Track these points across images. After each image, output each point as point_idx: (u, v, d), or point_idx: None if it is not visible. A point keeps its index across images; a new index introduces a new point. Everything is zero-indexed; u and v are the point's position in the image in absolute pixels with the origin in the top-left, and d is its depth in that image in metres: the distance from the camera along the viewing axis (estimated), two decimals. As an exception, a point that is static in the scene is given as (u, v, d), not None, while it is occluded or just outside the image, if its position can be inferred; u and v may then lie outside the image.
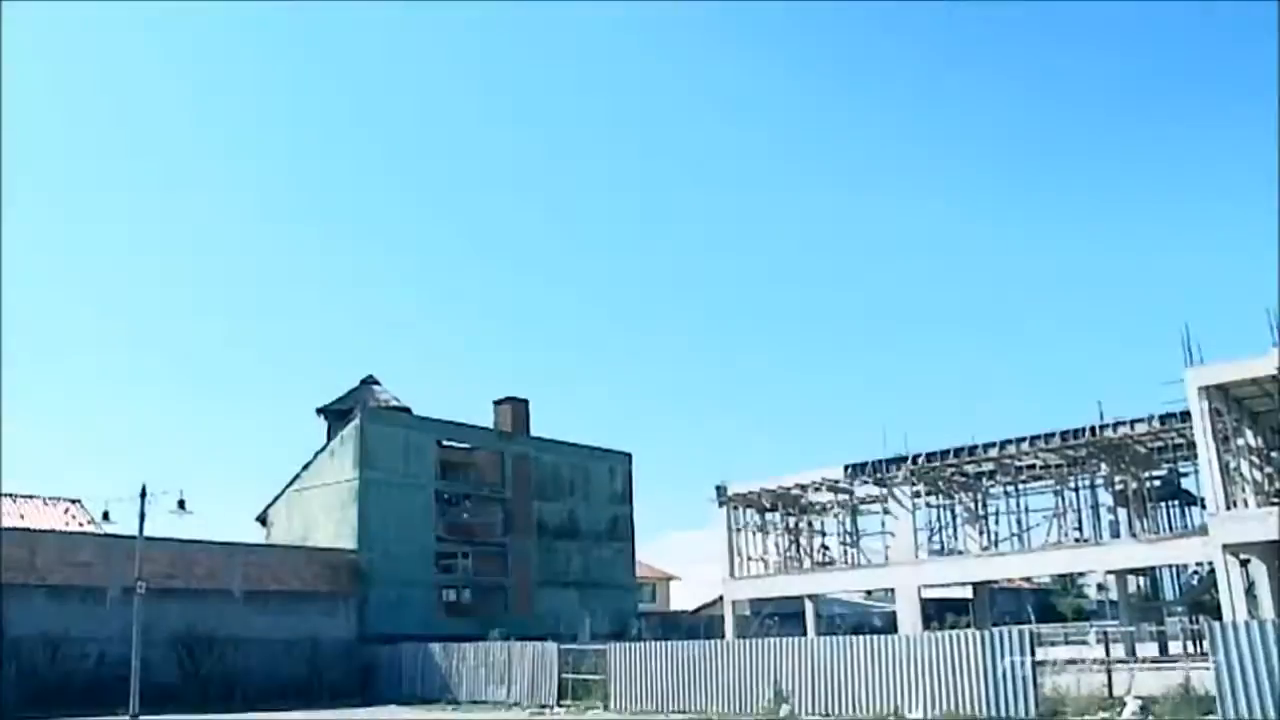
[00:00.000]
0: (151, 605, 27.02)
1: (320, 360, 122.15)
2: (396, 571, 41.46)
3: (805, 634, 38.94)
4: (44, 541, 34.02)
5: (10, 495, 42.26)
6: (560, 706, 30.65)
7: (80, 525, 41.79)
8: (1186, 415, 33.41)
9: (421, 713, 30.59)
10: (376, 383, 48.48)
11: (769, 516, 50.14)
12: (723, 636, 39.76)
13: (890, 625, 42.44)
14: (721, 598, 48.26)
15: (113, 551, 32.73)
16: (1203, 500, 34.63)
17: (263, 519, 46.51)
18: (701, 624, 52.04)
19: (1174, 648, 33.76)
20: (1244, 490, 32.57)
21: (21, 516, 40.23)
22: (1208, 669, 20.54)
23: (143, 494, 25.29)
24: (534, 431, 49.58)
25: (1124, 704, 21.01)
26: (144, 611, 24.07)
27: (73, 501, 45.43)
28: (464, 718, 29.55)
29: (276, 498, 45.94)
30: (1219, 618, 26.25)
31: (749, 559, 48.26)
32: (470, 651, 34.61)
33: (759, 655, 27.04)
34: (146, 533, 24.77)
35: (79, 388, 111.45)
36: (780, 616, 47.47)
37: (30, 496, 44.02)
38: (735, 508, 48.11)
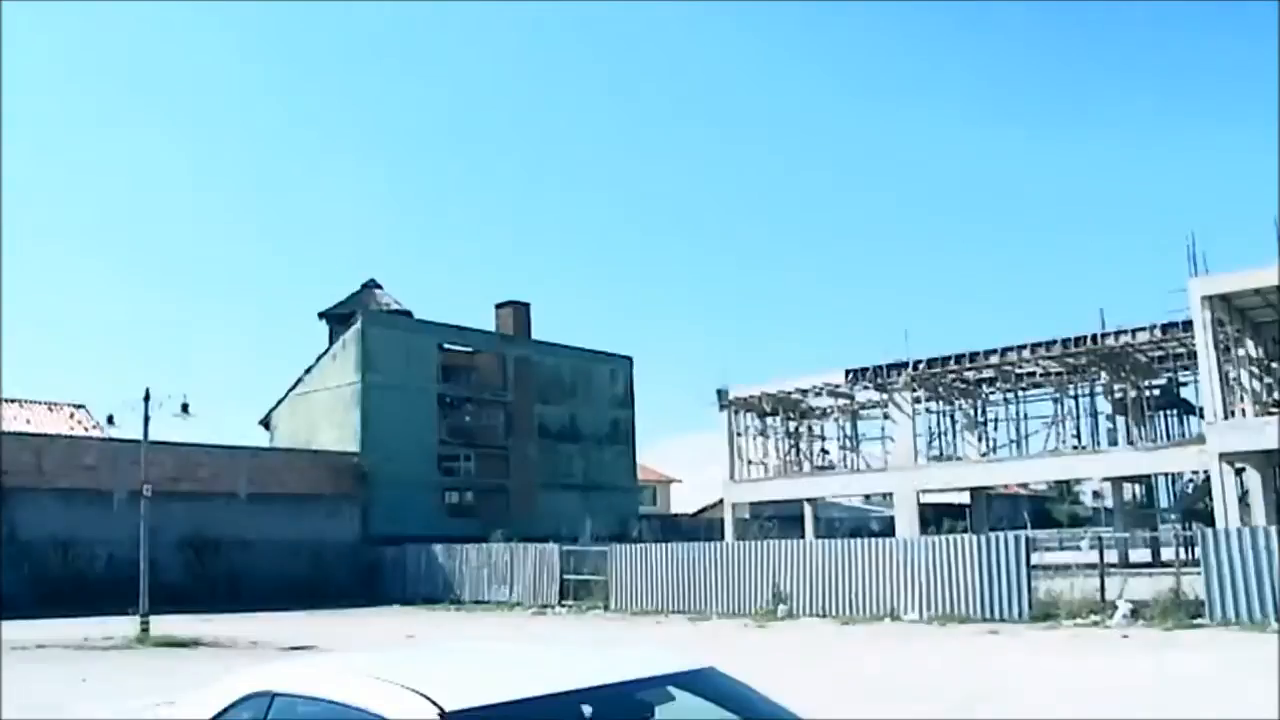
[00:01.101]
0: (158, 508, 27.27)
1: (322, 265, 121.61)
2: (399, 474, 41.86)
3: (804, 537, 39.46)
4: (50, 446, 34.36)
5: (15, 401, 42.55)
6: (562, 606, 31.14)
7: (85, 430, 42.06)
8: (1188, 325, 33.37)
9: (425, 613, 31.06)
10: (378, 287, 48.29)
11: (769, 421, 50.45)
12: (722, 539, 40.26)
13: (888, 529, 43.00)
14: (721, 501, 48.81)
15: (118, 456, 33.01)
16: (1201, 410, 34.76)
17: (266, 423, 46.80)
18: (701, 527, 52.67)
19: (1166, 554, 34.22)
20: (1242, 400, 32.71)
21: (27, 421, 40.55)
22: (1198, 574, 20.87)
23: (146, 398, 25.27)
24: (535, 336, 49.55)
25: (1115, 608, 21.37)
26: (151, 514, 24.30)
27: (77, 407, 45.68)
28: (467, 617, 30.06)
29: (279, 402, 46.16)
30: (1212, 525, 26.62)
31: (749, 462, 48.69)
32: (473, 552, 35.05)
33: (758, 557, 27.37)
34: (151, 437, 24.84)
35: (82, 294, 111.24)
36: (779, 519, 48.06)
37: (35, 402, 44.32)
38: (736, 411, 48.37)
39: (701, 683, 4.26)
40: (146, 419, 24.56)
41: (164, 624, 22.78)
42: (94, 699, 5.71)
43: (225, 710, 4.23)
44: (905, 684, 13.64)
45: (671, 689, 4.14)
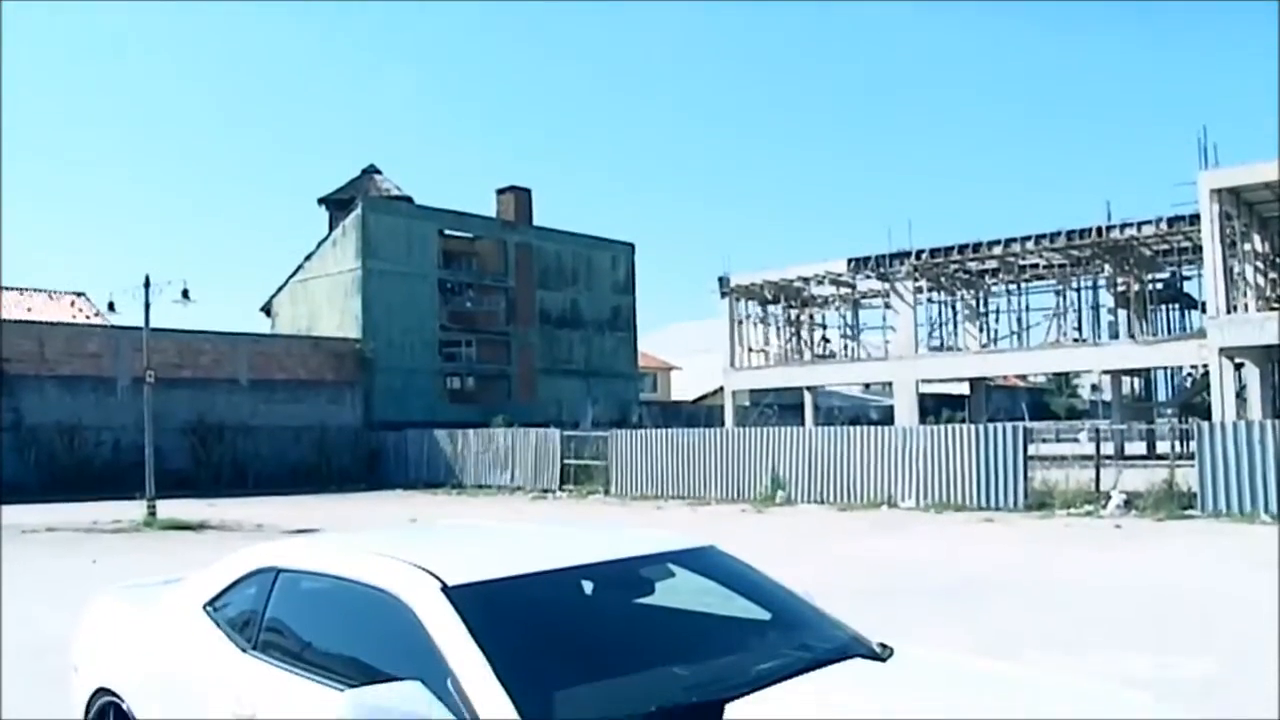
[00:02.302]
0: (161, 395, 27.44)
1: (322, 151, 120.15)
2: (401, 360, 42.04)
3: (803, 425, 39.74)
4: (52, 334, 34.43)
5: (15, 289, 42.45)
6: (562, 491, 31.44)
7: (86, 318, 42.01)
8: (1195, 219, 33.15)
9: (427, 496, 31.40)
10: (378, 172, 47.76)
11: (771, 309, 50.45)
12: (722, 426, 40.51)
13: (887, 418, 43.31)
14: (722, 388, 49.07)
15: (120, 342, 33.17)
16: (1203, 304, 34.76)
17: (267, 309, 46.73)
18: (701, 413, 53.02)
19: (1162, 448, 34.51)
20: (1245, 295, 32.65)
21: (28, 310, 40.46)
22: (1192, 467, 21.03)
23: (146, 284, 25.15)
24: (536, 222, 49.17)
25: (1109, 498, 21.60)
26: (154, 401, 24.41)
27: (77, 294, 45.59)
28: (469, 501, 30.41)
29: (280, 288, 46.02)
30: (1209, 419, 26.79)
31: (750, 350, 48.83)
32: (474, 437, 35.25)
33: (758, 444, 27.51)
34: (152, 324, 24.81)
35: (80, 180, 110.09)
36: (779, 407, 48.46)
37: (34, 290, 44.22)
38: (737, 299, 48.32)
39: (702, 560, 4.31)
40: (147, 305, 24.48)
41: (170, 508, 23.06)
42: (105, 579, 5.83)
43: (231, 586, 4.29)
44: (898, 565, 13.87)
45: (672, 566, 4.19)
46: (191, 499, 27.10)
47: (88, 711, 4.57)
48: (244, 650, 3.94)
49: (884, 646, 3.84)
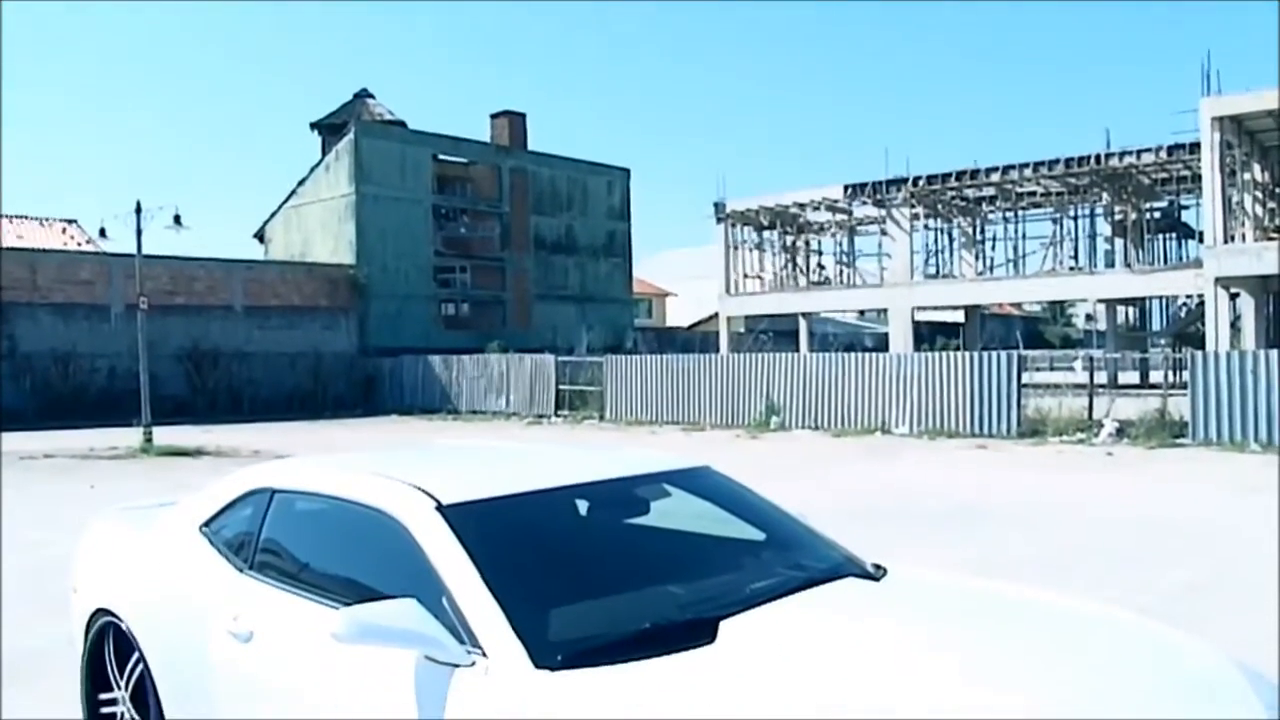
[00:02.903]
0: (155, 322, 27.38)
1: (313, 75, 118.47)
2: (395, 286, 41.92)
3: (798, 351, 39.80)
4: (44, 261, 34.24)
5: (6, 216, 42.06)
6: (557, 416, 31.55)
7: (78, 245, 41.75)
8: (1195, 147, 32.91)
9: (422, 422, 31.52)
10: (371, 96, 47.13)
11: (766, 235, 50.24)
12: (717, 352, 40.55)
13: (882, 346, 43.42)
14: (717, 314, 49.05)
15: (113, 269, 33.07)
16: (1200, 234, 34.65)
17: (260, 236, 46.45)
18: (696, 339, 53.07)
19: (1155, 377, 34.66)
20: (1244, 225, 32.55)
21: (19, 237, 40.17)
22: (1184, 396, 21.15)
23: (138, 210, 24.94)
24: (531, 147, 48.74)
25: (1101, 426, 21.75)
26: (148, 328, 24.34)
27: (69, 222, 45.26)
28: (464, 426, 30.52)
29: (273, 214, 45.68)
30: (1203, 349, 26.86)
31: (745, 276, 48.73)
32: (469, 363, 35.25)
33: (752, 369, 27.55)
34: (144, 251, 24.66)
35: (70, 106, 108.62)
36: (774, 334, 48.51)
37: (25, 217, 43.83)
38: (733, 225, 48.10)
39: (697, 481, 4.33)
40: (139, 231, 24.28)
41: (166, 434, 23.15)
42: (103, 504, 5.88)
43: (226, 507, 4.30)
44: (890, 490, 13.99)
45: (667, 487, 4.20)
46: (187, 425, 27.19)
47: (87, 631, 4.60)
48: (240, 570, 3.96)
49: (878, 567, 3.88)
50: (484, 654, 2.91)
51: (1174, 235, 42.98)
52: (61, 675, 5.36)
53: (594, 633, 3.12)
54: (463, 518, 3.33)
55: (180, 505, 4.73)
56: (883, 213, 43.62)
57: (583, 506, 4.00)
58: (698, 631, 3.03)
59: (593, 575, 3.64)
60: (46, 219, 45.09)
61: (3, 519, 11.75)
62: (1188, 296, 38.74)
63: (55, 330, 32.88)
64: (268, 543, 3.98)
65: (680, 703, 2.68)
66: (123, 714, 4.41)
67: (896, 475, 16.46)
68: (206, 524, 4.31)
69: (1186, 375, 21.29)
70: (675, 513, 4.11)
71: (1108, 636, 3.32)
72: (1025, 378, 24.01)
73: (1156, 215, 41.98)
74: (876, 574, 3.81)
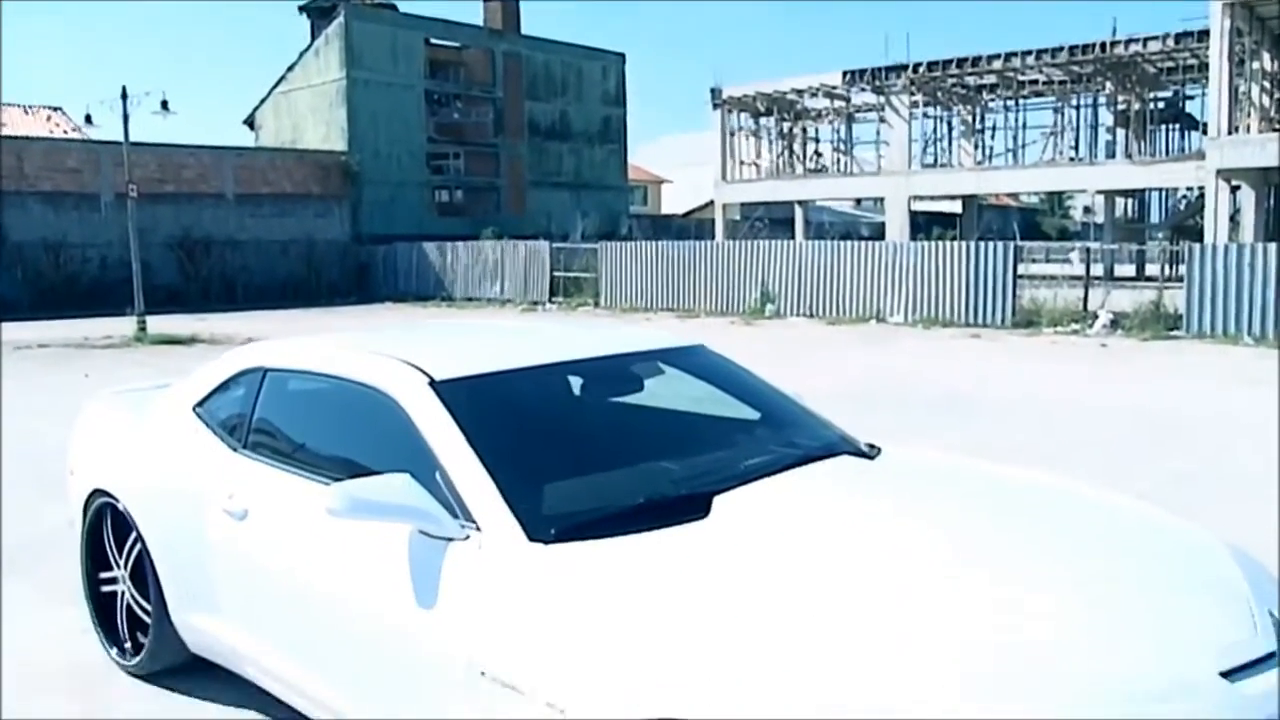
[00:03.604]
0: (145, 210, 27.14)
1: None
2: (388, 172, 41.45)
3: (794, 239, 39.61)
4: (30, 148, 33.57)
5: (-12, 104, 41.30)
6: (552, 303, 31.51)
7: (64, 133, 41.08)
8: (1204, 35, 32.31)
9: (417, 309, 31.47)
10: (360, -23, 45.98)
11: (763, 121, 49.60)
12: (713, 239, 40.32)
13: (878, 235, 43.14)
14: (712, 202, 48.68)
15: (100, 157, 32.56)
16: (1204, 125, 34.24)
17: (250, 122, 45.70)
18: (691, 227, 52.73)
19: (1152, 270, 34.61)
20: (1249, 116, 32.13)
21: (2, 125, 39.39)
22: (1180, 289, 21.13)
23: (124, 96, 24.47)
24: (525, 31, 47.69)
25: (1096, 317, 21.78)
26: (139, 216, 24.07)
27: (54, 109, 44.45)
28: (459, 313, 30.50)
29: (263, 100, 44.84)
30: (1201, 242, 26.75)
31: (741, 163, 48.26)
32: (463, 250, 35.04)
33: (747, 257, 27.43)
34: (132, 138, 24.24)
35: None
36: (770, 221, 48.20)
37: (8, 105, 42.94)
38: (729, 111, 47.43)
39: (691, 358, 4.31)
40: (126, 117, 23.84)
41: (160, 323, 23.10)
42: (99, 390, 5.89)
43: (219, 387, 4.29)
44: (883, 377, 14.04)
45: (661, 365, 4.19)
46: (181, 314, 27.15)
47: (85, 512, 4.64)
48: (234, 450, 3.96)
49: (872, 446, 3.89)
50: (478, 528, 2.92)
51: (1177, 126, 42.47)
52: (62, 560, 5.43)
53: (587, 507, 3.13)
54: (455, 393, 3.31)
55: (174, 387, 4.72)
56: (881, 100, 42.98)
57: (576, 384, 3.99)
58: (691, 506, 3.04)
59: (586, 451, 3.65)
60: (30, 106, 44.30)
61: (1, 407, 11.79)
62: (1188, 189, 38.50)
63: (45, 219, 32.50)
64: (261, 422, 3.98)
65: (674, 575, 2.70)
66: (123, 592, 4.47)
67: (891, 363, 16.51)
68: (200, 404, 4.30)
69: (1183, 268, 21.21)
70: (669, 391, 4.10)
71: (1101, 516, 3.34)
72: (1021, 269, 23.97)
73: (1160, 105, 41.43)
74: (871, 453, 3.82)
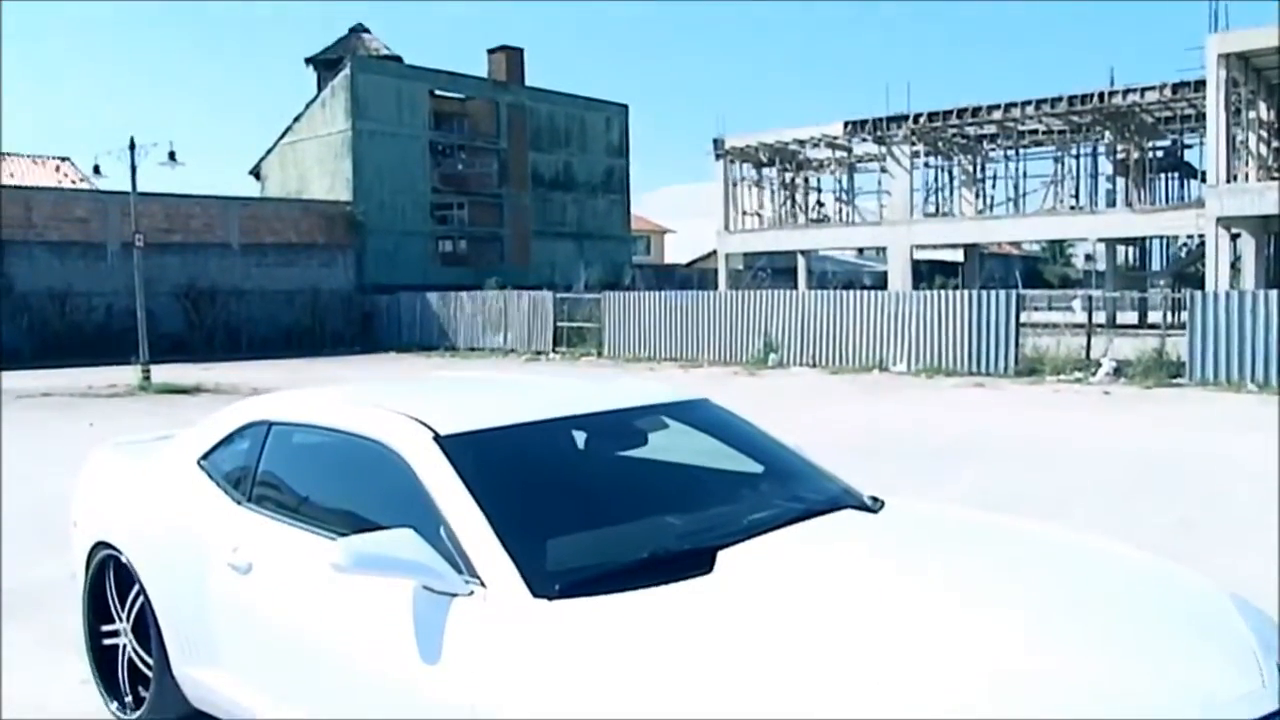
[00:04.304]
0: (151, 259, 27.29)
1: (309, 10, 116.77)
2: (392, 222, 41.73)
3: (796, 289, 39.69)
4: (39, 198, 33.86)
5: (-1, 154, 41.70)
6: (555, 353, 31.51)
7: (72, 183, 41.43)
8: (1201, 85, 32.60)
9: (420, 359, 31.49)
10: (366, 31, 46.54)
11: (766, 172, 49.92)
12: (715, 289, 40.42)
13: (881, 284, 43.27)
14: (715, 252, 48.84)
15: (108, 206, 32.84)
16: (1203, 174, 34.45)
17: (256, 173, 46.13)
18: (694, 276, 52.91)
19: (1154, 317, 34.65)
20: (1247, 164, 32.34)
21: (11, 175, 39.74)
22: (1183, 336, 21.14)
23: (131, 147, 24.72)
24: (529, 82, 48.22)
25: (1099, 365, 21.76)
26: (145, 265, 24.19)
27: (62, 159, 44.84)
28: (462, 363, 30.51)
29: (269, 151, 45.33)
30: (1202, 289, 26.80)
31: (744, 213, 48.50)
32: (467, 300, 35.13)
33: (750, 306, 27.48)
34: (139, 188, 24.43)
35: (61, 42, 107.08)
36: (773, 271, 48.37)
37: (18, 155, 43.39)
38: (732, 161, 47.76)
39: (695, 413, 4.32)
40: (134, 168, 24.03)
41: (164, 372, 23.12)
42: (102, 440, 5.89)
43: (224, 440, 4.30)
44: (887, 427, 14.03)
45: (665, 418, 4.20)
46: (185, 363, 27.20)
47: (88, 564, 4.62)
48: (239, 503, 3.96)
49: (875, 499, 3.89)
50: (482, 583, 2.92)
51: (1176, 175, 42.75)
52: (63, 610, 5.41)
53: (592, 562, 3.13)
54: (460, 448, 3.32)
55: (178, 439, 4.73)
56: (883, 150, 43.29)
57: (580, 438, 3.99)
58: (696, 561, 3.04)
59: (590, 506, 3.65)
60: (39, 156, 44.72)
61: (2, 457, 11.77)
62: (1188, 237, 38.64)
63: (51, 269, 32.68)
64: (266, 475, 3.99)
65: (678, 631, 2.69)
66: (124, 645, 4.45)
67: (894, 412, 16.49)
68: (204, 457, 4.31)
69: (1185, 315, 21.24)
70: (673, 445, 4.11)
71: (1105, 568, 3.33)
72: (1023, 317, 23.99)
73: (1159, 154, 41.72)
74: (874, 506, 3.81)
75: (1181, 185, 42.89)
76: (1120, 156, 40.91)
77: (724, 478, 4.03)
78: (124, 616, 4.44)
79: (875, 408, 17.18)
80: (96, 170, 28.04)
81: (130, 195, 24.13)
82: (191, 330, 34.57)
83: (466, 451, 3.31)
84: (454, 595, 2.93)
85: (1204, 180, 34.29)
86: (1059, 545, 3.53)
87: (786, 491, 3.86)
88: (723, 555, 3.08)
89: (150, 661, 4.24)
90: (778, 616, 2.77)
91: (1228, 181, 30.80)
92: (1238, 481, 9.79)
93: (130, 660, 4.42)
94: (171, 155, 25.64)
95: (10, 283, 32.02)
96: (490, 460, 3.36)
